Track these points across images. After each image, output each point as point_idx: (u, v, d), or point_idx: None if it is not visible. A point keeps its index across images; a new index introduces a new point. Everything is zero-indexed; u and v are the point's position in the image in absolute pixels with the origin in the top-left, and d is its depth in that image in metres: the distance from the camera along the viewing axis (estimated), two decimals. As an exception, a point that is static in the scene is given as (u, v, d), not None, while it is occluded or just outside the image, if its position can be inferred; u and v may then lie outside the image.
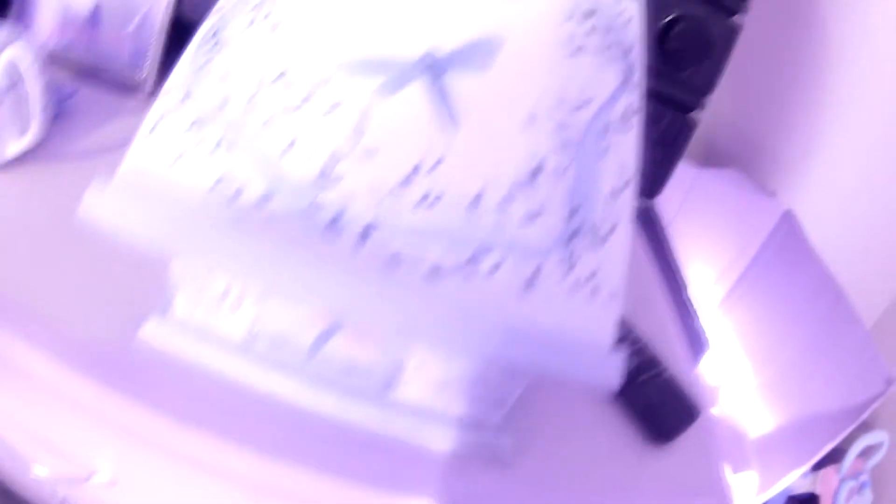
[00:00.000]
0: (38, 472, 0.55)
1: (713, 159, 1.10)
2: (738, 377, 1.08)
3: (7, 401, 0.54)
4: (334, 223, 0.31)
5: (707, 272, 1.09)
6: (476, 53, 0.36)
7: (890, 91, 0.97)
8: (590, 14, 0.41)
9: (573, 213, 0.34)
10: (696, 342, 0.68)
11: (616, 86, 0.38)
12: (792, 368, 1.02)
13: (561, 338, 0.32)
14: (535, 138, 0.35)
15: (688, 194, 1.06)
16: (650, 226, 0.79)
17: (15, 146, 0.53)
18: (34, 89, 0.52)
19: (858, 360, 0.93)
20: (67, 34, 0.67)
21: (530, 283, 0.32)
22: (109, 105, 0.65)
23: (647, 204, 0.77)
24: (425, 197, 0.32)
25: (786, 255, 1.02)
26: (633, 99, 0.38)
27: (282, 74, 0.35)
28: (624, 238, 0.34)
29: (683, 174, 0.83)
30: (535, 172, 0.34)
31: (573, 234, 0.33)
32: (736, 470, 1.04)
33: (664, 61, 0.64)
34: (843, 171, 1.04)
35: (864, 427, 1.02)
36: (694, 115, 0.68)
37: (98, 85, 0.67)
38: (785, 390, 1.03)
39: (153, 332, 0.42)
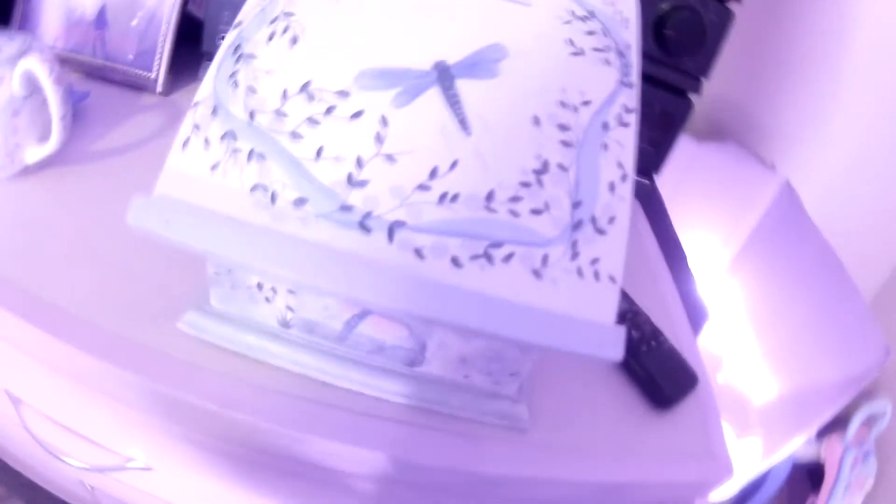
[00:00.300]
0: (74, 464, 0.59)
1: (712, 133, 1.12)
2: (740, 346, 1.11)
3: (40, 398, 0.58)
4: (363, 222, 0.35)
5: (708, 244, 1.12)
6: (483, 62, 0.40)
7: (889, 63, 0.98)
8: (588, 17, 0.44)
9: (576, 206, 0.37)
10: (696, 313, 0.71)
11: (614, 85, 0.41)
12: (793, 338, 1.05)
13: (568, 318, 0.35)
14: (540, 140, 0.38)
15: (688, 168, 1.08)
16: (651, 202, 0.82)
17: (35, 153, 0.54)
18: (53, 98, 0.52)
19: (858, 331, 0.97)
20: (75, 36, 0.68)
21: (539, 270, 0.36)
22: (122, 104, 0.67)
23: (647, 181, 0.80)
24: (443, 197, 0.36)
25: (786, 226, 1.05)
26: (631, 97, 0.41)
27: (304, 87, 0.38)
28: (622, 227, 0.38)
29: (683, 149, 0.85)
30: (541, 171, 0.37)
31: (576, 226, 0.37)
32: (738, 435, 1.08)
33: (661, 48, 0.67)
34: (841, 144, 1.06)
35: (867, 396, 1.06)
36: (691, 97, 0.71)
37: (109, 85, 0.69)
38: (786, 359, 1.06)
39: (192, 323, 0.46)
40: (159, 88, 0.70)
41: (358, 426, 0.44)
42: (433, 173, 0.36)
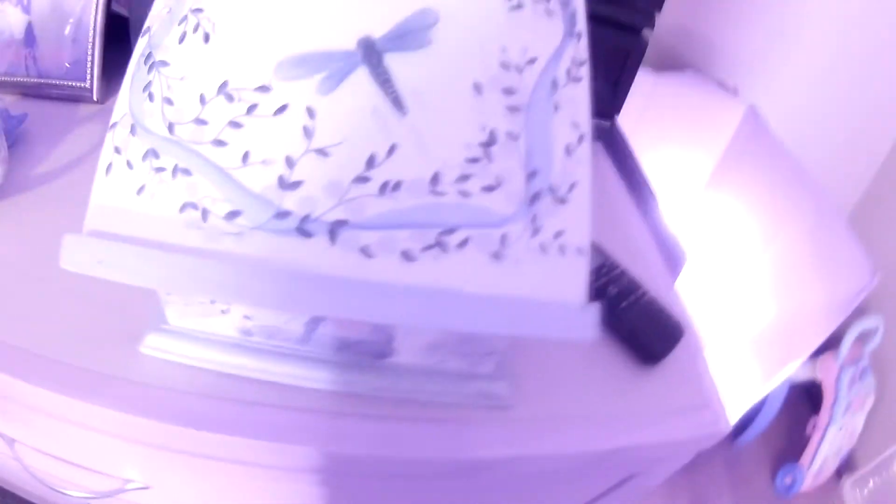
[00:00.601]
0: (76, 495, 0.57)
1: (670, 63, 1.09)
2: (723, 279, 1.10)
3: (28, 436, 0.56)
4: (302, 227, 0.32)
5: (677, 179, 1.10)
6: (412, 31, 0.36)
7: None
8: None
9: (531, 177, 0.35)
10: (673, 255, 0.69)
11: (560, 39, 0.38)
12: (777, 264, 1.04)
13: (535, 301, 0.33)
14: (483, 109, 0.35)
15: (648, 102, 1.05)
16: (614, 144, 0.79)
17: None
18: None
19: (842, 253, 0.96)
20: (6, 58, 0.65)
21: (498, 253, 0.33)
22: (60, 120, 0.65)
23: (608, 123, 0.77)
24: (384, 186, 0.33)
25: (754, 151, 1.03)
26: (579, 49, 0.38)
27: (222, 87, 0.34)
28: (584, 193, 0.35)
29: (641, 82, 0.82)
30: (488, 144, 0.34)
31: (534, 199, 0.34)
32: (733, 366, 1.09)
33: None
34: (803, 64, 1.04)
35: (858, 313, 1.06)
36: (645, 33, 0.68)
37: (46, 102, 0.66)
38: (773, 287, 1.06)
39: (153, 344, 0.43)
40: (95, 97, 0.67)
41: (337, 428, 0.43)
42: (370, 162, 0.33)
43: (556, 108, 0.36)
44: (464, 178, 0.34)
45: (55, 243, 0.48)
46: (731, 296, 1.10)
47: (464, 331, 0.32)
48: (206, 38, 0.36)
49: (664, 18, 0.70)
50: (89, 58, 0.66)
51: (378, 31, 0.36)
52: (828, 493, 1.27)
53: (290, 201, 0.32)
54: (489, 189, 0.34)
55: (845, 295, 0.98)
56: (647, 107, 1.04)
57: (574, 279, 0.34)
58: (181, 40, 0.36)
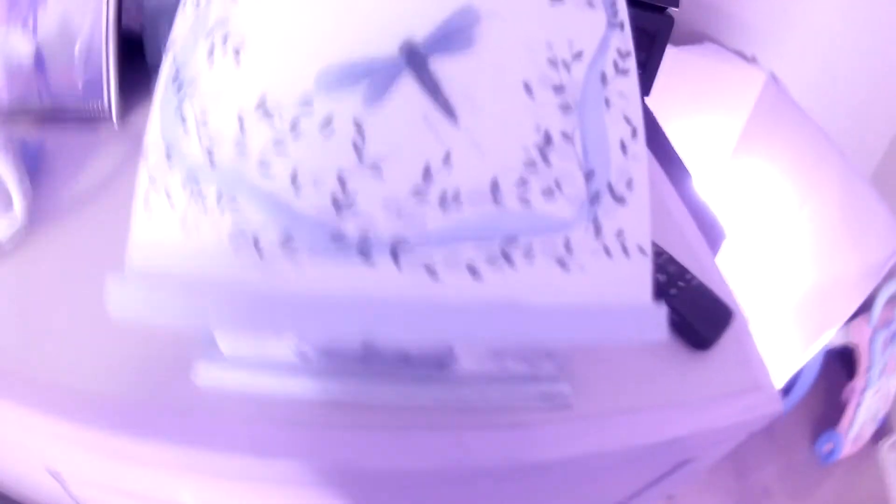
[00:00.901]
0: None
1: (685, 38, 1.07)
2: (756, 251, 1.09)
3: (79, 467, 0.55)
4: (362, 248, 0.31)
5: (704, 149, 1.08)
6: (455, 32, 0.35)
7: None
8: None
9: (589, 177, 0.33)
10: (713, 234, 0.68)
11: (604, 29, 0.36)
12: (808, 233, 1.03)
13: (604, 306, 0.32)
14: (536, 109, 0.34)
15: (668, 77, 1.03)
16: (646, 125, 0.78)
17: (2, 226, 0.51)
18: (5, 170, 0.49)
19: (870, 217, 0.94)
20: (17, 86, 0.63)
21: (563, 258, 0.32)
22: (79, 144, 0.63)
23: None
24: (443, 198, 0.31)
25: (778, 118, 1.01)
26: (624, 39, 0.36)
27: (260, 104, 0.33)
28: (642, 190, 0.34)
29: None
30: (544, 146, 0.33)
31: (594, 199, 0.33)
32: (769, 342, 1.07)
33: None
34: (819, 28, 1.01)
35: (889, 276, 1.04)
36: (670, 11, 0.66)
37: (62, 125, 0.64)
38: (806, 255, 1.04)
39: (207, 375, 0.42)
40: (114, 115, 0.65)
41: (403, 443, 0.42)
42: (426, 173, 0.32)
43: (608, 103, 0.35)
44: (522, 182, 0.32)
45: (91, 276, 0.46)
46: (764, 266, 1.09)
47: (536, 343, 0.31)
48: (237, 51, 0.34)
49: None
50: (105, 78, 0.64)
51: (420, 33, 0.34)
52: (866, 457, 1.27)
53: (345, 222, 0.31)
54: (549, 192, 0.32)
55: (876, 259, 0.97)
56: (667, 82, 1.01)
57: (639, 279, 0.33)
58: (210, 55, 0.35)
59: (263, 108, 0.33)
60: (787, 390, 1.21)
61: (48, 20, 0.62)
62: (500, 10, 0.35)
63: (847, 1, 1.00)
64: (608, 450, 0.44)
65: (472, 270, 0.31)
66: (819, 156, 0.98)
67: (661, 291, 0.53)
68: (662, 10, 0.65)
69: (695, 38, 1.07)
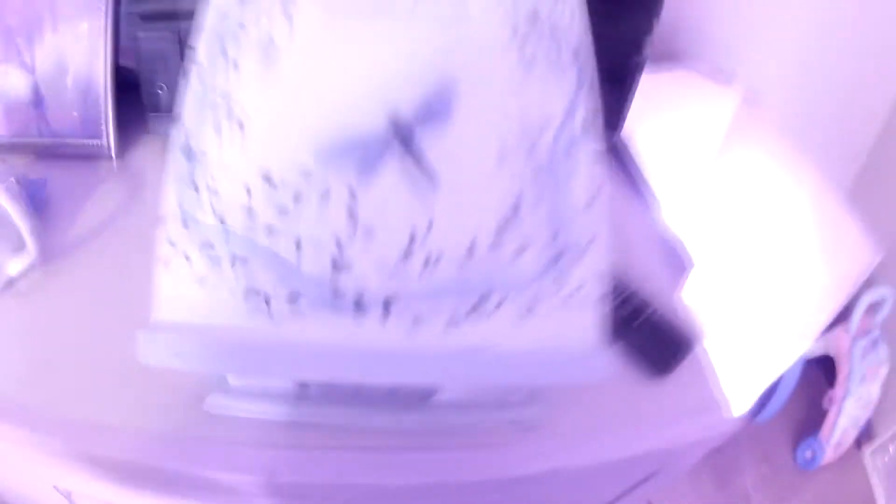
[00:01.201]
0: None
1: (660, 57, 1.10)
2: (731, 275, 1.13)
3: (89, 487, 0.59)
4: (358, 304, 0.36)
5: (677, 175, 1.13)
6: (435, 104, 0.39)
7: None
8: (532, 19, 0.42)
9: (555, 236, 0.38)
10: (678, 263, 0.72)
11: (572, 93, 0.40)
12: (782, 246, 1.07)
13: (559, 351, 0.37)
14: (510, 174, 0.38)
15: (642, 102, 1.07)
16: (618, 156, 0.82)
17: (15, 265, 0.53)
18: (14, 211, 0.51)
19: (843, 233, 0.98)
20: (15, 122, 0.65)
21: (529, 310, 0.37)
22: (81, 181, 0.65)
23: (612, 137, 0.80)
24: (427, 261, 0.37)
25: (752, 137, 1.05)
26: (591, 103, 0.40)
27: (266, 176, 0.37)
28: (603, 243, 0.39)
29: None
30: (516, 208, 0.38)
31: (558, 256, 0.38)
32: (745, 353, 1.12)
33: (605, 7, 0.66)
34: (796, 44, 1.06)
35: (866, 284, 1.08)
36: (646, 42, 0.70)
37: (61, 161, 0.66)
38: (778, 273, 1.08)
39: (216, 404, 0.47)
40: (113, 153, 0.68)
41: (390, 462, 0.47)
42: (412, 239, 0.37)
43: (575, 165, 0.39)
44: (496, 244, 0.37)
45: (101, 313, 0.52)
46: (740, 279, 1.13)
47: (502, 383, 0.36)
48: (241, 125, 0.39)
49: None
50: (103, 116, 0.66)
51: (404, 104, 0.38)
52: (849, 463, 1.30)
53: (344, 281, 0.36)
54: (519, 251, 0.37)
55: (849, 273, 1.01)
56: (642, 107, 1.06)
57: (593, 325, 0.38)
58: (216, 129, 0.39)
59: (269, 180, 0.38)
60: (766, 399, 1.25)
61: (45, 57, 0.64)
62: (477, 78, 0.39)
63: (823, 15, 1.04)
64: (573, 465, 0.49)
65: (451, 320, 0.36)
66: (793, 171, 1.03)
67: (625, 324, 0.57)
68: (640, 44, 0.69)
69: (669, 57, 1.11)
